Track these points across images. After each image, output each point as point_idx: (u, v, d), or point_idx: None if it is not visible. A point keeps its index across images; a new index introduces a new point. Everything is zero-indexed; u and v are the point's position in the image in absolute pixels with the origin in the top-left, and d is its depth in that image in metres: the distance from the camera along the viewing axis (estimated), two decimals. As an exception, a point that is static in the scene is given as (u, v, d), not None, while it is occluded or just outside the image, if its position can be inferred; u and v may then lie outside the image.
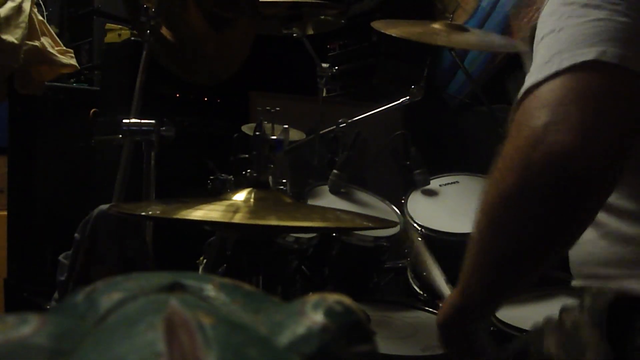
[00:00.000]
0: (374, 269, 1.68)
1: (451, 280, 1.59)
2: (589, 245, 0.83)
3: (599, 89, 0.69)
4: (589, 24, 0.73)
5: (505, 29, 2.77)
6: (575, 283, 0.91)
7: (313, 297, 0.43)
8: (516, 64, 1.88)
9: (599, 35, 0.71)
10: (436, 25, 1.87)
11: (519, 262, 0.77)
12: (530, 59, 0.84)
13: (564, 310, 0.88)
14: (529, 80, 0.74)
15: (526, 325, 1.23)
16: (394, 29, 1.82)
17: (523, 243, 0.74)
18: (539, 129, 0.68)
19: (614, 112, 0.68)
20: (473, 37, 1.88)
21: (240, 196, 1.05)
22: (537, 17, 0.85)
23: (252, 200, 1.04)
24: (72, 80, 2.79)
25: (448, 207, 1.73)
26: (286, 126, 1.41)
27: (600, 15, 0.73)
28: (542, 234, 0.73)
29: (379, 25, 1.85)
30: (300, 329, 0.41)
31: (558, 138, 0.67)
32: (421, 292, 1.58)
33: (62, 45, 2.57)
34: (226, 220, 0.91)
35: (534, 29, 0.87)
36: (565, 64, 0.70)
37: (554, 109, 0.69)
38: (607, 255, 0.83)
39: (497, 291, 0.84)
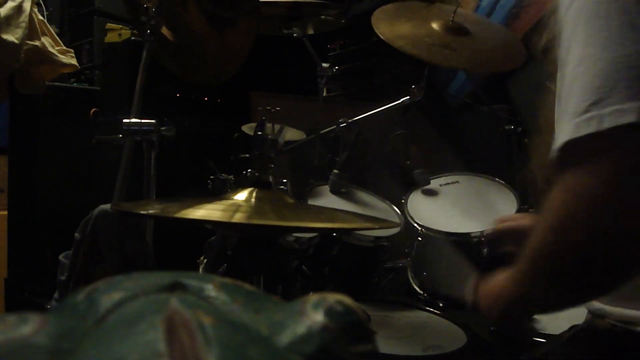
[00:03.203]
0: (374, 269, 1.68)
1: (450, 279, 1.59)
2: None
3: None
4: (627, 57, 0.68)
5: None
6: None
7: (313, 297, 0.43)
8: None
9: (625, 81, 0.67)
10: (435, 26, 1.86)
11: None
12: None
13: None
14: (566, 128, 0.70)
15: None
16: (389, 32, 1.81)
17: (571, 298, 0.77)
18: (593, 201, 0.68)
19: None
20: (470, 45, 1.86)
21: (241, 196, 1.05)
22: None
23: (253, 199, 1.04)
24: (72, 80, 2.78)
25: (448, 207, 1.73)
26: (280, 125, 1.41)
27: None
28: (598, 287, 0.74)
29: (375, 23, 1.84)
30: (300, 328, 0.41)
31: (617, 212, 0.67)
32: (421, 292, 1.58)
33: (62, 45, 2.57)
34: (227, 219, 0.91)
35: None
36: (606, 124, 0.67)
37: (606, 183, 0.67)
38: None
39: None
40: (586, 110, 0.68)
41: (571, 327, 0.95)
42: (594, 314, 0.89)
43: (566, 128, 0.70)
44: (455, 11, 1.87)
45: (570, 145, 0.70)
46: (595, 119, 0.68)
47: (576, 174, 0.69)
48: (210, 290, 0.45)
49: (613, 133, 0.66)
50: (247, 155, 1.59)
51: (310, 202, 1.67)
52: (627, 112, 0.66)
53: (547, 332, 1.18)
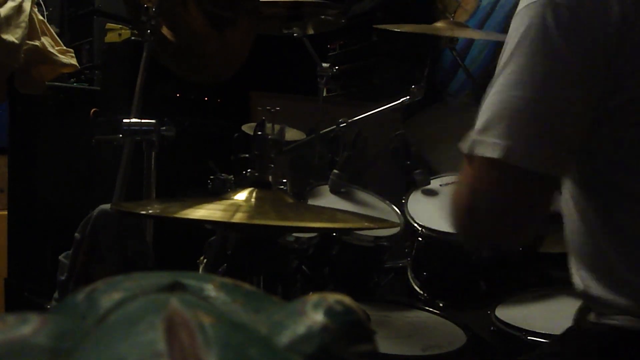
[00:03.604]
0: (374, 269, 1.68)
1: (451, 279, 1.59)
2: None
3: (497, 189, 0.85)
4: (509, 100, 0.80)
5: (506, 29, 2.77)
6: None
7: (313, 297, 0.43)
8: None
9: (507, 121, 0.80)
10: (438, 25, 1.88)
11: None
12: None
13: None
14: (473, 135, 0.84)
15: (526, 325, 1.23)
16: (398, 27, 1.83)
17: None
18: (472, 201, 0.89)
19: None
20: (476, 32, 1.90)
21: (241, 196, 1.05)
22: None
23: (253, 199, 1.04)
24: (72, 80, 2.78)
25: (448, 207, 1.73)
26: (280, 125, 1.41)
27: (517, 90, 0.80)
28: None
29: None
30: (300, 328, 0.41)
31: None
32: (421, 292, 1.58)
33: (62, 45, 2.56)
34: (227, 219, 0.91)
35: None
36: (479, 152, 0.82)
37: (478, 192, 0.87)
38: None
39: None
40: (477, 133, 0.83)
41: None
42: (580, 311, 0.89)
43: (468, 138, 0.85)
44: (455, 10, 1.88)
45: (465, 154, 0.86)
46: (477, 144, 0.83)
47: (460, 177, 0.89)
48: (210, 290, 0.45)
49: (480, 161, 0.82)
50: (247, 155, 1.59)
51: (310, 202, 1.67)
52: (492, 147, 0.80)
53: (547, 332, 1.18)
